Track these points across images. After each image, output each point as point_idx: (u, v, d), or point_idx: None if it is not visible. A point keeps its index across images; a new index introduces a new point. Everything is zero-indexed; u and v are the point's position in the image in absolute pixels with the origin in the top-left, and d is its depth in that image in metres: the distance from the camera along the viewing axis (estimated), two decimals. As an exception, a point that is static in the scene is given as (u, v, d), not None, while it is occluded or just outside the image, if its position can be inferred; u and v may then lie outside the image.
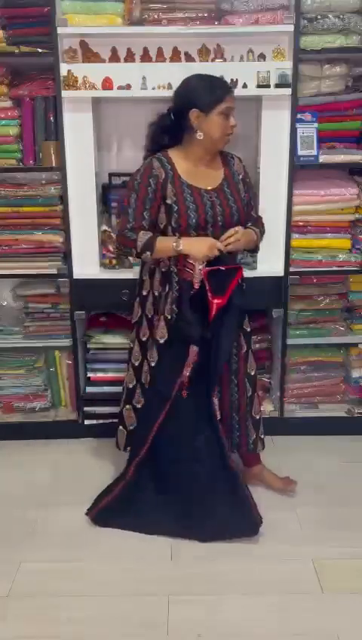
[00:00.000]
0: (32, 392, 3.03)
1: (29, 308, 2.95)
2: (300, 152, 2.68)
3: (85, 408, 2.99)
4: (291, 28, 2.52)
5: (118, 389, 2.96)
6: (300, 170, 2.72)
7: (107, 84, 2.58)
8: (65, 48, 2.57)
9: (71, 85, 2.56)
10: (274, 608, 2.02)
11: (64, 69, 2.55)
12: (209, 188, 2.27)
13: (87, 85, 2.57)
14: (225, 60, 2.63)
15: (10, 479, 2.76)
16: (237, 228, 2.26)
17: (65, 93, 2.57)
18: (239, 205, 2.30)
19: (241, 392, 2.47)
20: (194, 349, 2.30)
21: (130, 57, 2.65)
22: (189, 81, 2.26)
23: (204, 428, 2.35)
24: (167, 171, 2.24)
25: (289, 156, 2.67)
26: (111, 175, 3.02)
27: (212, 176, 2.31)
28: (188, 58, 2.65)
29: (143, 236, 2.22)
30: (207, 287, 2.21)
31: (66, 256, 2.79)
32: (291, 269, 2.81)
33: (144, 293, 2.40)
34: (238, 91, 2.57)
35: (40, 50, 2.55)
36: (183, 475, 2.35)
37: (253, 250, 2.48)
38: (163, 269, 2.33)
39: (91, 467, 2.83)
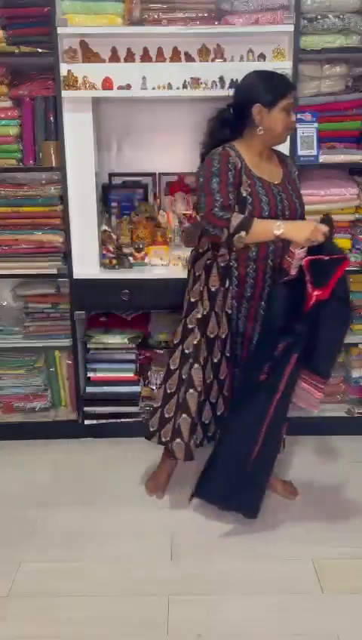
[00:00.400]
0: (32, 392, 3.03)
1: (29, 308, 2.95)
2: (300, 152, 2.68)
3: (85, 408, 2.99)
4: (291, 28, 2.52)
5: (118, 389, 2.98)
6: (300, 170, 2.71)
7: (107, 84, 2.58)
8: (65, 48, 2.57)
9: (71, 85, 2.56)
10: (274, 608, 2.02)
11: (64, 69, 2.55)
12: (275, 182, 2.25)
13: (87, 85, 2.57)
14: (225, 60, 2.64)
15: (10, 479, 2.76)
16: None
17: (65, 93, 2.57)
18: (301, 201, 2.31)
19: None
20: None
21: (130, 57, 2.65)
22: (252, 77, 2.23)
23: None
24: (241, 162, 2.19)
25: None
26: (111, 175, 3.02)
27: (274, 172, 2.28)
28: (188, 58, 2.65)
29: (237, 216, 2.08)
30: (308, 278, 2.10)
31: (66, 256, 2.79)
32: (291, 269, 2.81)
33: (200, 289, 2.33)
34: (238, 91, 2.57)
35: (40, 50, 2.55)
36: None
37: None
38: (222, 264, 2.27)
39: (91, 467, 2.83)
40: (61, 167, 2.68)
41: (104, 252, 2.81)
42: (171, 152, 3.00)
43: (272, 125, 2.18)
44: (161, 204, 3.02)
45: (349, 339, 2.97)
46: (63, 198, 2.73)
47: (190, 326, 2.36)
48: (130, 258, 2.81)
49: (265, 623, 1.97)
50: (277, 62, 2.57)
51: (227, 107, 2.27)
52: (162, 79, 2.56)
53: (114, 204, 2.99)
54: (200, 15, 2.58)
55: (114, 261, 2.80)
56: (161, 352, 3.02)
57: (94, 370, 2.99)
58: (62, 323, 2.93)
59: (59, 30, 2.51)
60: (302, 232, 2.07)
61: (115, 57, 2.65)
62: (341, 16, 2.53)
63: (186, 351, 2.37)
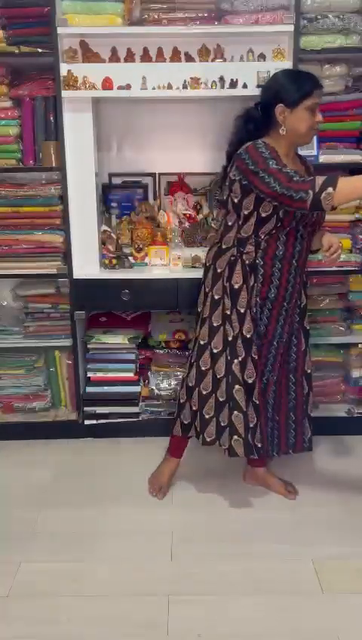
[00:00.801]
0: (32, 392, 3.03)
1: (29, 308, 2.95)
2: (300, 152, 2.67)
3: (85, 408, 2.99)
4: (291, 28, 2.52)
5: (118, 389, 2.98)
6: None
7: (107, 84, 2.58)
8: (65, 48, 2.57)
9: (71, 85, 2.56)
10: (274, 608, 2.02)
11: (64, 69, 2.55)
12: None
13: (87, 85, 2.57)
14: (225, 60, 2.64)
15: (10, 479, 2.76)
16: (335, 238, 2.31)
17: (65, 93, 2.57)
18: None
19: (299, 390, 2.49)
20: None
21: (130, 57, 2.65)
22: (277, 76, 2.22)
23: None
24: (279, 157, 2.15)
25: (289, 156, 2.67)
26: (111, 175, 3.02)
27: (300, 172, 2.23)
28: (188, 58, 2.65)
29: (320, 177, 2.05)
30: None
31: (66, 256, 2.79)
32: (291, 269, 2.81)
33: (223, 285, 2.32)
34: (238, 91, 2.58)
35: (40, 50, 2.55)
36: None
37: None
38: (247, 262, 2.27)
39: (91, 467, 2.83)
40: (61, 167, 2.68)
41: (104, 252, 2.81)
42: (171, 152, 3.00)
43: (295, 125, 2.16)
44: (161, 204, 3.02)
45: (349, 339, 2.98)
46: (63, 198, 2.73)
47: (216, 324, 2.35)
48: (130, 258, 2.81)
49: (265, 622, 1.97)
50: (277, 62, 2.58)
51: (255, 106, 2.26)
52: (162, 79, 2.56)
53: (114, 204, 2.99)
54: (200, 15, 2.58)
55: (114, 261, 2.80)
56: (161, 352, 3.02)
57: (94, 370, 2.99)
58: (62, 323, 2.93)
59: (59, 30, 2.51)
60: None
61: (115, 57, 2.65)
62: (341, 16, 2.53)
63: (214, 350, 2.36)
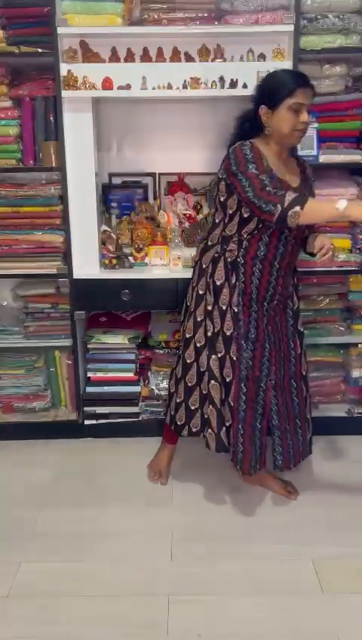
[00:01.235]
0: (32, 392, 3.03)
1: (29, 308, 2.95)
2: (300, 152, 2.67)
3: (85, 408, 2.99)
4: (291, 28, 2.52)
5: (118, 389, 2.98)
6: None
7: (107, 84, 2.58)
8: (65, 48, 2.57)
9: (71, 85, 2.56)
10: (274, 608, 2.02)
11: (64, 69, 2.55)
12: (294, 185, 2.23)
13: (87, 85, 2.57)
14: (225, 60, 2.64)
15: (10, 479, 2.76)
16: (327, 240, 2.26)
17: (65, 93, 2.57)
18: None
19: (300, 395, 2.47)
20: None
21: (130, 57, 2.65)
22: (266, 76, 2.22)
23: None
24: (264, 159, 2.16)
25: (289, 156, 2.67)
26: (111, 175, 3.02)
27: (291, 175, 2.27)
28: (188, 58, 2.65)
29: (291, 193, 2.07)
30: None
31: (66, 256, 2.79)
32: (291, 269, 2.81)
33: (206, 281, 2.35)
34: (238, 91, 2.58)
35: (40, 50, 2.55)
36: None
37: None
38: (229, 259, 2.28)
39: (91, 467, 2.83)
40: (61, 167, 2.68)
41: (104, 252, 2.81)
42: (171, 152, 3.00)
43: (278, 126, 2.15)
44: (160, 204, 3.02)
45: (349, 339, 2.98)
46: (63, 198, 2.73)
47: (199, 319, 2.38)
48: (130, 258, 2.81)
49: (265, 623, 1.97)
50: (277, 62, 2.57)
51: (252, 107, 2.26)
52: (162, 79, 2.56)
53: (114, 204, 2.99)
54: (200, 15, 2.58)
55: (114, 261, 2.80)
56: (161, 352, 3.02)
57: (94, 370, 2.99)
58: (62, 323, 2.93)
59: (59, 30, 2.50)
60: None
61: (115, 57, 2.65)
62: (341, 16, 2.53)
63: (198, 344, 2.39)
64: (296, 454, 2.49)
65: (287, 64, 2.55)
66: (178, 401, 2.50)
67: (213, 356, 2.35)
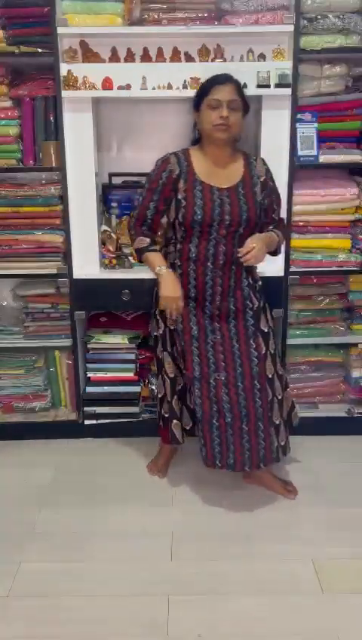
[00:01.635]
0: (32, 392, 3.03)
1: (29, 308, 2.95)
2: (300, 152, 2.68)
3: (85, 408, 2.99)
4: (291, 28, 2.52)
5: (118, 389, 2.98)
6: (300, 170, 2.72)
7: (107, 84, 2.58)
8: (65, 48, 2.57)
9: (71, 85, 2.56)
10: (274, 608, 2.02)
11: (64, 69, 2.55)
12: (223, 186, 2.30)
13: (87, 85, 2.57)
14: (225, 60, 2.63)
15: (10, 479, 2.76)
16: (253, 242, 2.28)
17: (65, 93, 2.57)
18: (251, 206, 2.32)
19: (264, 397, 2.42)
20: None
21: (130, 57, 2.65)
22: None
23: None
24: (183, 167, 2.31)
25: (289, 156, 2.67)
26: (111, 175, 3.02)
27: (229, 176, 2.33)
28: (188, 58, 2.65)
29: (140, 243, 2.38)
30: None
31: (66, 256, 2.79)
32: (291, 269, 2.81)
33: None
34: (238, 91, 2.57)
35: (40, 50, 2.55)
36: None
37: (273, 253, 2.48)
38: (170, 261, 2.39)
39: (91, 467, 2.83)
40: (61, 167, 2.68)
41: (104, 252, 2.82)
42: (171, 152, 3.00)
43: (201, 125, 2.29)
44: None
45: (349, 339, 2.98)
46: (63, 198, 2.73)
47: (157, 317, 2.54)
48: (130, 258, 2.81)
49: (265, 623, 1.97)
50: (277, 62, 2.58)
51: None
52: (162, 79, 2.56)
53: (114, 204, 2.98)
54: (200, 15, 2.58)
55: (114, 261, 2.80)
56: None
57: (94, 370, 2.99)
58: (62, 323, 2.93)
59: (59, 30, 2.51)
60: (164, 292, 2.32)
61: (115, 57, 2.65)
62: (341, 16, 2.53)
63: (158, 341, 2.55)
64: (253, 457, 2.40)
65: (287, 64, 2.55)
66: (159, 396, 2.62)
67: (165, 352, 2.51)
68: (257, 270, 2.51)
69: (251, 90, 2.58)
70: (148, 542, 2.33)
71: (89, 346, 2.97)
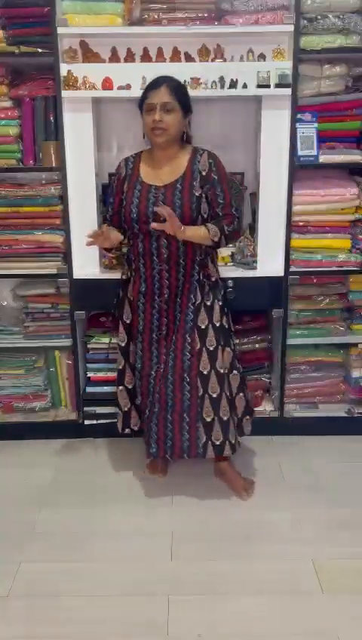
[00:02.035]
0: (32, 392, 3.03)
1: (29, 308, 2.95)
2: (300, 152, 2.68)
3: (85, 408, 2.99)
4: (291, 28, 2.52)
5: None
6: (300, 170, 2.72)
7: (107, 84, 2.58)
8: (65, 48, 2.57)
9: (71, 85, 2.56)
10: (274, 608, 2.02)
11: (64, 69, 2.55)
12: (159, 184, 2.36)
13: (87, 85, 2.57)
14: (225, 60, 2.63)
15: (10, 479, 2.76)
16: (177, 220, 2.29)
17: (65, 93, 2.57)
18: (185, 201, 2.34)
19: (193, 392, 2.44)
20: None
21: (130, 57, 2.65)
22: None
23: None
24: (128, 170, 2.43)
25: (289, 156, 2.67)
26: (111, 175, 3.01)
27: (171, 174, 2.38)
28: (188, 58, 2.65)
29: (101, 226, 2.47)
30: None
31: (66, 256, 2.79)
32: (291, 269, 2.81)
33: (123, 277, 2.57)
34: (238, 91, 2.58)
35: (40, 50, 2.55)
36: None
37: (211, 247, 2.45)
38: (127, 256, 2.52)
39: (91, 467, 2.83)
40: (61, 167, 2.68)
41: (104, 252, 2.81)
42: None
43: (144, 130, 2.38)
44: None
45: (349, 339, 2.98)
46: (63, 198, 2.73)
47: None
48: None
49: (265, 623, 1.97)
50: (277, 62, 2.58)
51: None
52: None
53: (114, 204, 2.98)
54: (200, 15, 2.58)
55: (114, 261, 2.80)
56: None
57: (94, 370, 2.99)
58: (62, 323, 2.93)
59: (59, 30, 2.51)
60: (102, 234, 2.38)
61: (115, 57, 2.65)
62: (341, 16, 2.53)
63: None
64: (174, 447, 2.48)
65: (287, 64, 2.55)
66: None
67: (121, 344, 2.61)
68: (215, 269, 2.53)
69: (251, 90, 2.59)
70: (148, 542, 2.33)
71: (89, 346, 2.97)
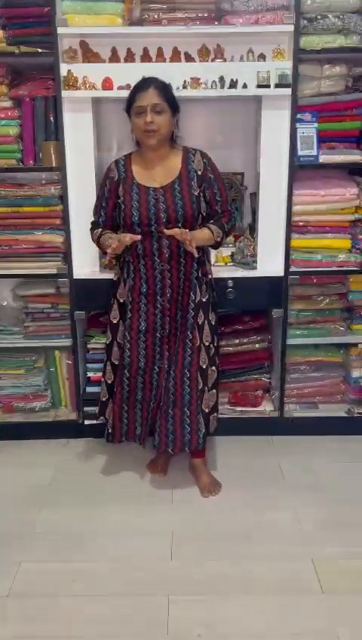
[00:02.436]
0: (32, 392, 3.03)
1: (29, 308, 2.95)
2: (300, 152, 2.68)
3: (85, 408, 2.99)
4: (291, 28, 2.52)
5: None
6: (300, 170, 2.72)
7: (107, 84, 2.58)
8: (65, 48, 2.57)
9: (71, 85, 2.56)
10: (274, 608, 2.02)
11: (64, 69, 2.55)
12: (157, 186, 2.36)
13: (87, 85, 2.57)
14: (225, 60, 2.63)
15: (10, 479, 2.76)
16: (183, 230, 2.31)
17: (65, 93, 2.57)
18: (186, 201, 2.35)
19: (193, 386, 2.50)
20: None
21: (130, 57, 2.65)
22: None
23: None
24: (120, 173, 2.42)
25: (289, 156, 2.67)
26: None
27: (166, 174, 2.38)
28: (188, 58, 2.65)
29: (95, 235, 2.49)
30: None
31: (66, 256, 2.79)
32: (291, 269, 2.81)
33: (114, 278, 2.61)
34: (238, 91, 2.58)
35: (40, 50, 2.55)
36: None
37: (213, 246, 2.49)
38: (123, 258, 2.49)
39: (91, 467, 2.83)
40: (61, 167, 2.68)
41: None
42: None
43: (135, 133, 2.39)
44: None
45: (349, 339, 2.98)
46: (63, 198, 2.73)
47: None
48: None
49: (265, 622, 1.97)
50: (277, 62, 2.58)
51: None
52: (162, 79, 2.56)
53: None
54: (200, 15, 2.58)
55: (114, 261, 2.79)
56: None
57: (94, 370, 2.99)
58: (62, 323, 2.93)
59: (59, 30, 2.51)
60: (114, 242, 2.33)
61: (115, 57, 2.65)
62: (341, 16, 2.53)
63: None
64: (176, 440, 2.53)
65: (287, 64, 2.55)
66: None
67: (107, 341, 2.64)
68: (210, 266, 2.57)
69: (251, 90, 2.59)
70: (148, 542, 2.33)
71: (89, 346, 2.97)
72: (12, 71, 2.67)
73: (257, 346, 3.02)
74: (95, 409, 2.96)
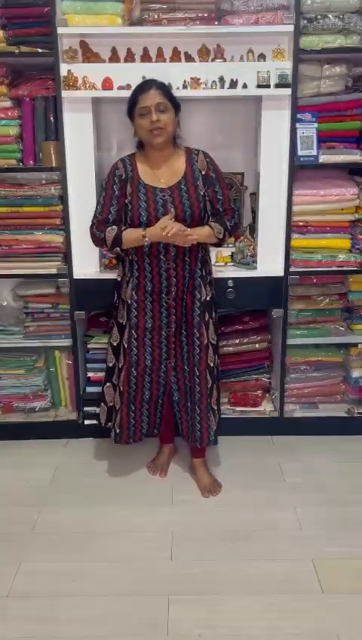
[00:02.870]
0: (32, 392, 3.03)
1: (29, 308, 2.95)
2: (300, 152, 2.68)
3: (85, 408, 2.99)
4: (291, 28, 2.52)
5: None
6: (300, 170, 2.72)
7: (107, 84, 2.58)
8: (65, 48, 2.57)
9: (71, 85, 2.56)
10: (274, 608, 2.02)
11: (64, 69, 2.55)
12: (164, 186, 2.37)
13: (87, 85, 2.57)
14: (225, 60, 2.63)
15: (10, 479, 2.76)
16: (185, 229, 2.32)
17: (65, 93, 2.57)
18: (193, 201, 2.37)
19: (203, 384, 2.52)
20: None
21: (130, 57, 2.65)
22: None
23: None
24: (128, 172, 2.41)
25: (289, 156, 2.67)
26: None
27: (172, 175, 2.40)
28: (188, 58, 2.65)
29: (110, 232, 2.39)
30: None
31: (66, 256, 2.79)
32: (291, 269, 2.81)
33: (118, 279, 2.60)
34: (238, 91, 2.58)
35: (40, 50, 2.55)
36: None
37: (215, 244, 2.50)
38: (128, 258, 2.47)
39: (91, 467, 2.83)
40: (61, 167, 2.68)
41: (104, 252, 2.81)
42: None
43: (138, 133, 2.39)
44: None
45: (349, 339, 2.98)
46: (63, 198, 2.73)
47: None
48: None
49: (265, 622, 1.97)
50: (277, 62, 2.58)
51: None
52: (162, 79, 2.55)
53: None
54: (200, 15, 2.58)
55: (114, 261, 2.80)
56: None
57: (94, 370, 2.99)
58: (62, 323, 2.93)
59: (59, 30, 2.51)
60: (156, 231, 2.30)
61: (115, 57, 2.65)
62: (341, 16, 2.53)
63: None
64: (192, 435, 2.59)
65: (287, 64, 2.55)
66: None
67: (114, 343, 2.62)
68: (211, 265, 2.59)
69: (251, 90, 2.59)
70: (148, 542, 2.33)
71: (89, 346, 2.97)
72: (12, 71, 2.67)
73: (257, 346, 3.02)
74: (95, 409, 2.97)
